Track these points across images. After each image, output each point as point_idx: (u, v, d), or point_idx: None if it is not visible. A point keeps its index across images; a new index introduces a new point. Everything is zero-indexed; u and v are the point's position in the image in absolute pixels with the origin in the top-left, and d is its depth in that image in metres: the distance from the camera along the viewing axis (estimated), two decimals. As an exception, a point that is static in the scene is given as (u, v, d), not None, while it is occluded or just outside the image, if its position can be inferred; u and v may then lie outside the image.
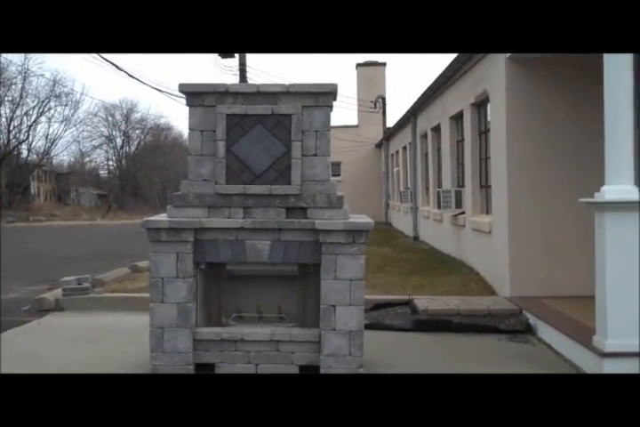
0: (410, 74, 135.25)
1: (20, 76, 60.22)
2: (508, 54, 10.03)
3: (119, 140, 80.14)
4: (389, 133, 30.04)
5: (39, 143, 79.23)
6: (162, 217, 7.17)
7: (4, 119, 62.38)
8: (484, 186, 12.89)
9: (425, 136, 19.97)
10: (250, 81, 23.42)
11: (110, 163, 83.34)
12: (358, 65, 36.89)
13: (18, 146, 64.56)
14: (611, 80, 6.70)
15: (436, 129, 17.84)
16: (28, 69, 60.51)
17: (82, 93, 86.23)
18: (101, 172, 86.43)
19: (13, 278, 14.45)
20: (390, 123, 30.31)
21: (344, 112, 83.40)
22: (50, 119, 68.35)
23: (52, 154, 73.49)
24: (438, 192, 15.82)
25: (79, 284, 11.15)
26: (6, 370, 6.97)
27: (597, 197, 6.79)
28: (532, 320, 8.95)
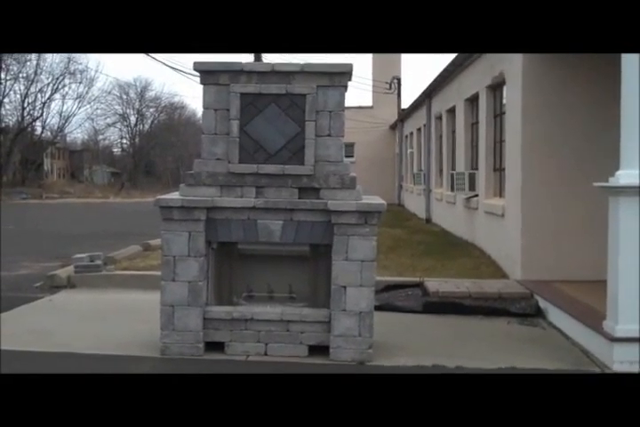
0: (426, 55, 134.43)
1: (34, 53, 60.13)
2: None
3: (133, 119, 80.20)
4: (404, 115, 29.91)
5: (53, 120, 79.68)
6: (174, 196, 7.18)
7: (18, 96, 62.43)
8: (498, 169, 12.83)
9: (440, 118, 19.87)
10: (265, 60, 23.34)
11: (124, 141, 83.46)
12: (374, 45, 36.51)
13: (32, 123, 64.59)
14: (629, 64, 6.63)
15: (451, 111, 17.74)
16: (43, 46, 60.28)
17: (96, 71, 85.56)
18: (115, 150, 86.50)
19: (26, 255, 14.51)
20: (405, 104, 30.16)
21: (359, 93, 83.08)
22: (64, 96, 68.21)
23: (66, 131, 73.54)
24: (452, 174, 15.77)
25: (91, 261, 11.18)
26: (17, 346, 7.04)
27: (612, 182, 6.74)
28: (543, 304, 8.93)
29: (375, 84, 34.50)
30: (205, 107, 7.12)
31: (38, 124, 66.07)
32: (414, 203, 25.92)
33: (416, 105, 24.65)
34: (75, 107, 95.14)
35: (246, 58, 44.92)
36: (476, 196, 14.03)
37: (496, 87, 12.86)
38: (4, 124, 60.59)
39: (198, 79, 7.17)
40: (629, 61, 6.59)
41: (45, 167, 70.63)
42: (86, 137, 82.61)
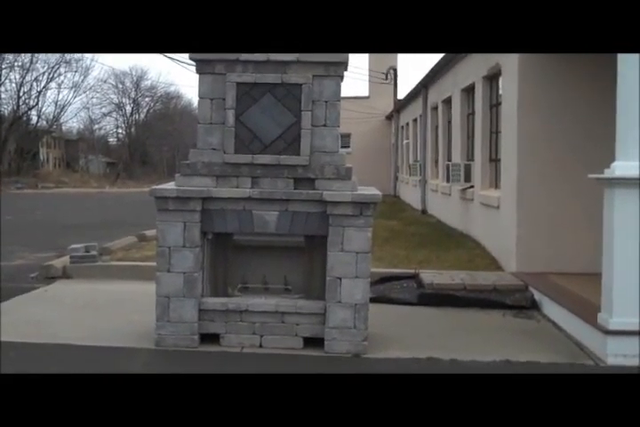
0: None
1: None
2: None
3: (129, 108, 79.97)
4: (400, 105, 29.87)
5: (49, 109, 79.44)
6: (170, 186, 7.14)
7: (13, 85, 62.30)
8: (494, 160, 12.82)
9: (436, 108, 19.86)
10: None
11: (119, 130, 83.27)
12: (370, 36, 36.40)
13: (27, 112, 64.46)
14: (625, 56, 6.61)
15: (447, 101, 17.72)
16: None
17: (92, 60, 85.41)
18: (110, 139, 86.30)
19: (21, 245, 14.48)
20: (401, 94, 30.09)
21: (355, 83, 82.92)
22: (59, 85, 68.43)
23: (62, 120, 73.49)
24: (448, 165, 15.75)
25: (87, 251, 11.15)
26: (12, 337, 7.02)
27: (607, 173, 6.73)
28: (538, 296, 8.94)
29: (371, 74, 34.37)
30: (201, 96, 7.09)
31: (34, 113, 66.00)
32: (410, 194, 25.91)
33: (412, 95, 24.61)
34: (70, 96, 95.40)
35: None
36: (472, 187, 14.02)
37: (492, 78, 12.84)
38: (-1, 113, 60.47)
39: (194, 68, 7.13)
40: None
41: (41, 157, 70.49)
42: (82, 126, 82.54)
